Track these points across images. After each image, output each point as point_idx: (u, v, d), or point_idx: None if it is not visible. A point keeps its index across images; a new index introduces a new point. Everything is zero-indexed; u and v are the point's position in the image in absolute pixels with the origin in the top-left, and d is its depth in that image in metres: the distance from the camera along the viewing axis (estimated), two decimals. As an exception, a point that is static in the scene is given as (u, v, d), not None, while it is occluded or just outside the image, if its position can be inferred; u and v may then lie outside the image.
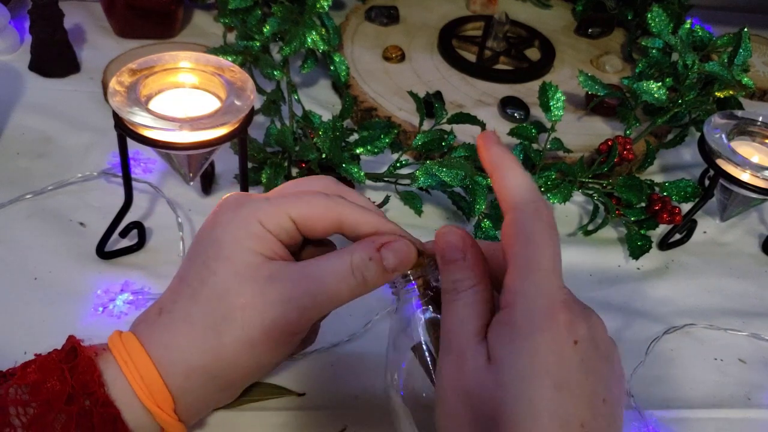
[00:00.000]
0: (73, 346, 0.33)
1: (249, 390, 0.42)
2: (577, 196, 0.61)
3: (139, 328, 0.34)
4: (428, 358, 0.33)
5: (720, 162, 0.53)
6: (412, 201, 0.56)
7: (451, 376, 0.29)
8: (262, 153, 0.56)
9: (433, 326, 0.33)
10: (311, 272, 0.33)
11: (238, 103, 0.43)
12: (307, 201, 0.35)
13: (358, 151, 0.56)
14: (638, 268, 0.57)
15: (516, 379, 0.27)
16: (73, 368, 0.32)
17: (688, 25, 0.65)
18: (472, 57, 0.75)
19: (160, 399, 0.33)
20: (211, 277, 0.33)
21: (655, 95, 0.61)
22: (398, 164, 0.57)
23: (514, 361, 0.27)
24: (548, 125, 0.58)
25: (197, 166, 0.47)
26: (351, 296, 0.34)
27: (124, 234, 0.52)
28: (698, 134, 0.57)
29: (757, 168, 0.52)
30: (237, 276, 0.33)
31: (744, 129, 0.56)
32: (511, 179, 0.30)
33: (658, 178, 0.62)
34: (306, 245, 0.37)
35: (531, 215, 0.29)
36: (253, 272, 0.33)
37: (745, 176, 0.52)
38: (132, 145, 0.44)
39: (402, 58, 0.73)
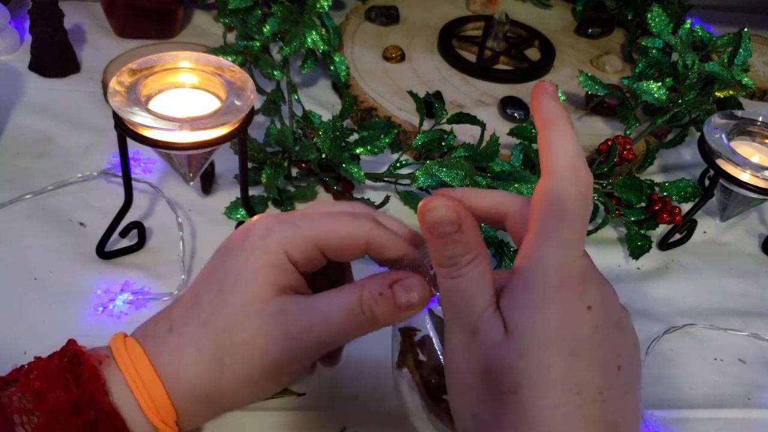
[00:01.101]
0: (75, 353, 0.33)
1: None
2: (577, 196, 0.61)
3: (146, 341, 0.34)
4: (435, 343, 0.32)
5: (720, 162, 0.53)
6: (412, 201, 0.56)
7: (465, 355, 0.28)
8: (262, 153, 0.56)
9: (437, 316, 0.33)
10: (317, 307, 0.33)
11: (238, 103, 0.43)
12: (335, 226, 0.34)
13: (358, 151, 0.56)
14: (638, 268, 0.57)
15: (533, 346, 0.26)
16: (77, 377, 0.32)
17: (688, 25, 0.65)
18: (472, 57, 0.75)
19: (165, 416, 0.33)
20: (222, 308, 0.33)
21: (655, 95, 0.61)
22: (398, 164, 0.57)
23: (530, 328, 0.27)
24: (548, 125, 0.58)
25: (197, 166, 0.47)
26: (359, 332, 0.33)
27: (124, 234, 0.52)
28: (698, 134, 0.57)
29: (757, 168, 0.52)
30: (244, 310, 0.33)
31: (744, 129, 0.56)
32: (557, 140, 0.28)
33: (658, 178, 0.62)
34: (325, 269, 0.36)
35: (567, 180, 0.27)
36: (260, 307, 0.33)
37: (745, 176, 0.52)
38: (132, 145, 0.44)
39: (402, 58, 0.73)
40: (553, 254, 0.27)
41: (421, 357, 0.33)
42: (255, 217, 0.35)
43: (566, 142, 0.28)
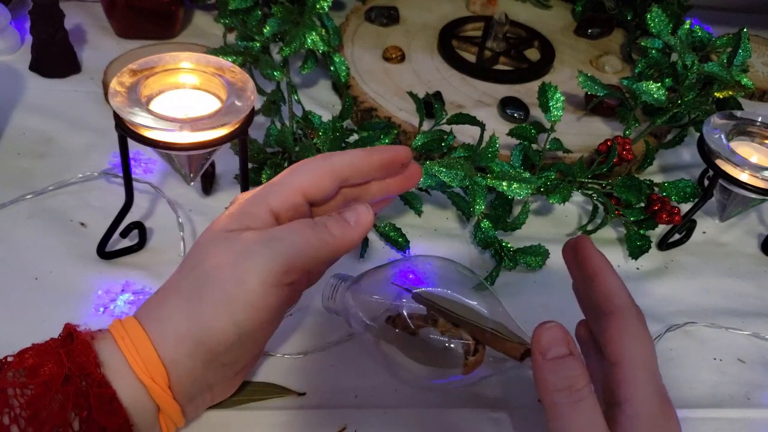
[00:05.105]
0: (69, 331, 0.34)
1: (249, 390, 0.42)
2: (577, 197, 0.61)
3: (138, 310, 0.36)
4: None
5: (719, 162, 0.53)
6: (412, 201, 0.56)
7: None
8: (263, 153, 0.56)
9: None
10: (279, 227, 0.35)
11: (238, 103, 0.43)
12: (303, 168, 0.37)
13: (358, 151, 0.56)
14: (637, 268, 0.57)
15: None
16: (69, 352, 0.32)
17: (687, 26, 0.65)
18: (471, 57, 0.76)
19: (154, 372, 0.33)
20: (195, 248, 0.36)
21: (655, 96, 0.61)
22: (398, 164, 0.57)
23: None
24: (548, 125, 0.58)
25: (198, 167, 0.47)
26: (320, 245, 0.35)
27: (124, 234, 0.52)
28: (697, 134, 0.57)
29: (756, 168, 0.52)
30: (214, 240, 0.35)
31: (743, 129, 0.56)
32: (611, 283, 0.36)
33: (658, 178, 0.62)
34: None
35: (635, 318, 0.35)
36: (228, 235, 0.35)
37: (744, 176, 0.52)
38: (133, 146, 0.44)
39: (402, 58, 0.73)
40: (649, 384, 0.33)
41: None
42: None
43: (619, 283, 0.36)
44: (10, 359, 0.33)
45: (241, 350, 0.36)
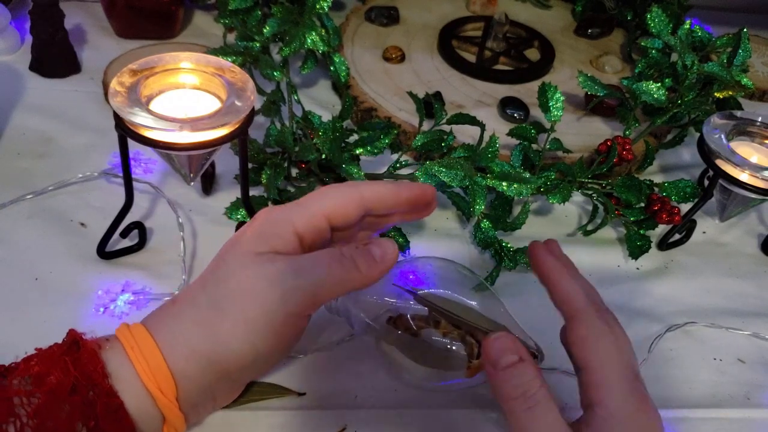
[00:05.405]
0: (74, 339, 0.34)
1: (249, 390, 0.42)
2: (577, 197, 0.61)
3: (148, 318, 0.36)
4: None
5: (719, 162, 0.53)
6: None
7: None
8: (263, 153, 0.56)
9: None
10: (308, 257, 0.35)
11: (238, 103, 0.43)
12: (331, 193, 0.37)
13: (357, 151, 0.56)
14: (637, 268, 0.57)
15: None
16: (76, 360, 0.32)
17: (687, 26, 0.65)
18: (471, 57, 0.76)
19: (162, 383, 0.33)
20: (220, 265, 0.35)
21: (655, 96, 0.61)
22: (398, 164, 0.57)
23: None
24: (548, 125, 0.58)
25: (198, 167, 0.47)
26: (346, 280, 0.35)
27: (124, 234, 0.52)
28: (697, 134, 0.57)
29: (756, 168, 0.52)
30: (243, 261, 0.35)
31: (743, 129, 0.56)
32: (565, 287, 0.35)
33: (658, 179, 0.62)
34: None
35: (596, 319, 0.34)
36: (257, 258, 0.35)
37: (744, 176, 0.52)
38: (133, 146, 0.44)
39: (402, 58, 0.73)
40: (621, 383, 0.32)
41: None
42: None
43: (576, 285, 0.35)
44: (13, 365, 0.33)
45: (254, 370, 0.37)
